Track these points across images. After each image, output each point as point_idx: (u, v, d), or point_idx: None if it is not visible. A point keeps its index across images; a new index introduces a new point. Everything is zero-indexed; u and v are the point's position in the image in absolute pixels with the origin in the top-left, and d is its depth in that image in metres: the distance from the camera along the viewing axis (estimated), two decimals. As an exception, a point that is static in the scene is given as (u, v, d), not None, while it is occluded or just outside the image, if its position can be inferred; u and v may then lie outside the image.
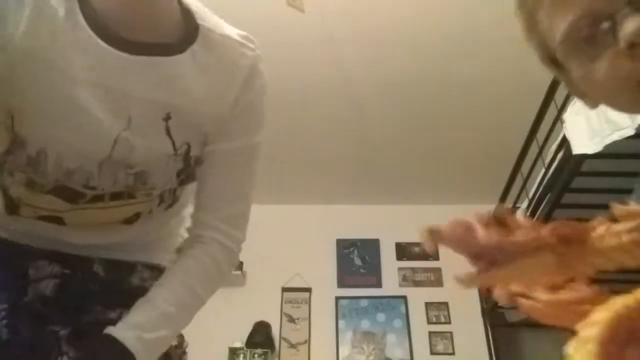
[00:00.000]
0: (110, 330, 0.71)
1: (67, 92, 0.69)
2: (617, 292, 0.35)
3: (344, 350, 3.56)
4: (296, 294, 3.71)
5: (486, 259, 0.30)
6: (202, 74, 0.80)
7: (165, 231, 0.94)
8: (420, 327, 3.62)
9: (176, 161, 0.81)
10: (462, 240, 0.30)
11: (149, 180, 0.80)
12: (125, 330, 0.71)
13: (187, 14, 0.79)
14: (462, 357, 3.50)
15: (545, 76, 2.21)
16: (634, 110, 0.60)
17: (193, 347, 3.29)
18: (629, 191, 2.16)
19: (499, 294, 0.39)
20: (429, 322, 3.64)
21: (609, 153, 1.92)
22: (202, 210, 0.85)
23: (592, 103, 0.64)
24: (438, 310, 3.67)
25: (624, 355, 0.25)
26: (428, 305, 3.69)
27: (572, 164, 2.15)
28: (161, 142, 0.78)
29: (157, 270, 0.89)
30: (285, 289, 3.70)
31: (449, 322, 3.62)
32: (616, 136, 1.85)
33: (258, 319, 3.50)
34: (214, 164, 0.85)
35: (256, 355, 3.38)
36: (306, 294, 3.72)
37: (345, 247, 3.94)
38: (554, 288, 0.31)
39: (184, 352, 3.28)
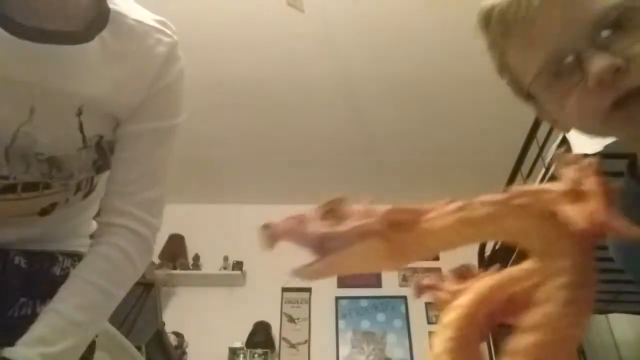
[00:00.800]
0: (6, 352, 0.63)
1: None
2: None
3: (344, 350, 3.55)
4: (296, 294, 3.71)
5: (322, 250, 0.30)
6: (113, 63, 0.75)
7: (81, 219, 0.91)
8: (420, 327, 3.62)
9: (88, 152, 0.77)
10: (296, 232, 0.30)
11: (64, 166, 0.75)
12: (24, 348, 0.64)
13: None
14: (462, 357, 3.50)
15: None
16: (603, 135, 0.66)
17: (193, 347, 3.30)
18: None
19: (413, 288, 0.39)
20: (429, 322, 3.64)
21: (609, 153, 1.92)
22: (113, 196, 0.78)
23: (564, 128, 0.71)
24: (438, 311, 3.67)
25: (480, 340, 0.25)
26: (428, 305, 3.69)
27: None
28: (69, 137, 0.74)
29: (77, 257, 0.86)
30: (285, 289, 3.70)
31: (449, 322, 3.62)
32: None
33: (258, 319, 3.50)
34: (126, 147, 0.80)
35: (256, 355, 3.37)
36: (306, 294, 3.72)
37: (345, 247, 3.93)
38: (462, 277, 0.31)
39: (184, 352, 3.28)
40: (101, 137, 0.78)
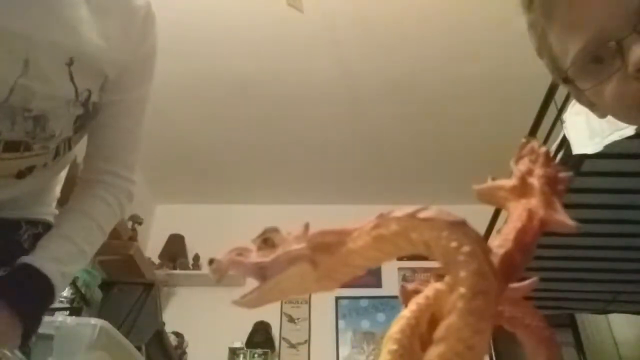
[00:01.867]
0: (28, 259, 0.71)
1: None
2: None
3: (344, 350, 3.56)
4: (296, 294, 3.71)
5: (263, 278, 0.31)
6: (97, 16, 0.78)
7: (50, 185, 0.95)
8: (420, 327, 3.62)
9: (76, 107, 0.80)
10: (237, 263, 0.30)
11: (48, 125, 0.78)
12: (45, 261, 0.72)
13: None
14: (462, 357, 3.50)
15: (545, 77, 2.21)
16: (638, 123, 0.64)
17: (193, 347, 3.30)
18: (629, 191, 2.17)
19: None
20: (429, 322, 3.65)
21: (609, 153, 1.92)
22: (98, 158, 0.88)
23: (601, 114, 0.69)
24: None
25: (425, 348, 0.25)
26: (428, 305, 3.69)
27: (572, 164, 2.15)
28: (63, 88, 0.77)
29: (41, 225, 0.90)
30: (285, 289, 3.70)
31: (449, 322, 3.62)
32: (616, 136, 1.85)
33: (258, 319, 3.50)
34: (115, 113, 0.86)
35: (256, 355, 3.37)
36: (310, 293, 3.72)
37: (345, 247, 3.93)
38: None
39: (184, 352, 3.28)
40: (90, 92, 0.81)
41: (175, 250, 3.69)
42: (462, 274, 0.25)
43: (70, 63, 0.76)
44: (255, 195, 3.91)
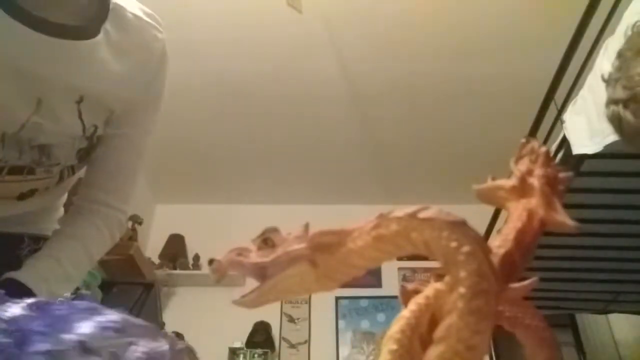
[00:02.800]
0: (14, 275, 0.70)
1: None
2: None
3: (344, 350, 3.55)
4: (296, 294, 3.71)
5: (263, 278, 0.30)
6: (116, 56, 0.78)
7: (54, 206, 0.96)
8: (420, 327, 3.62)
9: (81, 141, 0.81)
10: (237, 264, 0.31)
11: (53, 154, 0.79)
12: (31, 278, 0.71)
13: None
14: (462, 357, 3.50)
15: (546, 77, 2.21)
16: None
17: (193, 347, 3.29)
18: (629, 191, 2.16)
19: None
20: (429, 322, 3.65)
21: (609, 153, 1.92)
22: (96, 188, 0.87)
23: None
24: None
25: (425, 348, 0.25)
26: (428, 305, 3.69)
27: (572, 164, 2.15)
28: (72, 125, 0.78)
29: (42, 242, 0.89)
30: (285, 289, 3.70)
31: (449, 322, 3.62)
32: (616, 136, 1.85)
33: (258, 319, 3.50)
34: (117, 145, 0.87)
35: (256, 355, 3.37)
36: (310, 293, 3.72)
37: (345, 247, 3.93)
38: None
39: (184, 352, 3.28)
40: (96, 128, 0.82)
41: (175, 250, 3.69)
42: (462, 274, 0.25)
43: (80, 101, 0.77)
44: (255, 195, 3.91)
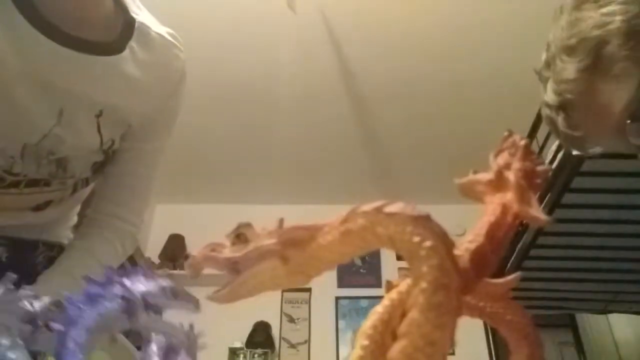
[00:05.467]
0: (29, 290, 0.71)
1: (3, 84, 0.68)
2: None
3: (344, 350, 3.55)
4: (296, 294, 3.70)
5: (236, 273, 0.30)
6: (139, 72, 0.80)
7: (69, 214, 0.96)
8: (420, 327, 3.62)
9: (98, 154, 0.83)
10: (211, 259, 0.31)
11: (69, 166, 0.80)
12: (47, 294, 0.70)
13: (118, 4, 0.79)
14: (463, 357, 3.49)
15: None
16: None
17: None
18: (629, 191, 2.16)
19: None
20: (429, 322, 3.64)
21: (609, 153, 1.92)
22: (112, 202, 0.88)
23: None
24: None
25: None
26: (428, 305, 3.69)
27: (572, 164, 2.15)
28: (91, 138, 0.79)
29: (57, 248, 0.90)
30: (285, 289, 3.70)
31: (449, 322, 3.61)
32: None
33: (258, 319, 3.50)
34: (131, 159, 0.88)
35: (256, 355, 3.37)
36: (306, 294, 3.71)
37: (345, 247, 3.93)
38: None
39: (184, 352, 3.28)
40: (113, 142, 0.83)
41: (175, 250, 3.69)
42: (424, 268, 0.25)
43: (99, 115, 0.79)
44: (255, 195, 3.91)
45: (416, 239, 0.25)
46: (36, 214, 0.84)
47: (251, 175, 3.79)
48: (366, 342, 0.27)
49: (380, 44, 2.78)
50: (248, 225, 0.31)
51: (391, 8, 2.59)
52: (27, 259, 0.88)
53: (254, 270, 0.30)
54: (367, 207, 0.27)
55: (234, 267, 0.30)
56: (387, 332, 0.28)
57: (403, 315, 0.27)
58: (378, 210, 0.27)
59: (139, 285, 0.47)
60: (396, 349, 0.24)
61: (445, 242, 0.25)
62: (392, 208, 0.26)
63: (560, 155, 2.31)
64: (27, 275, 0.78)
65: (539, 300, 2.71)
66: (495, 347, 3.52)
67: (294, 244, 0.29)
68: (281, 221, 0.30)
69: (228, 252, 0.31)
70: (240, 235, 0.31)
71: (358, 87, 3.06)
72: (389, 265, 3.90)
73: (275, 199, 3.81)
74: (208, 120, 3.28)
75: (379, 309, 0.29)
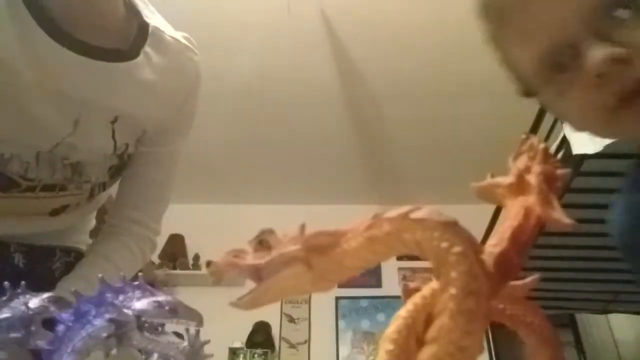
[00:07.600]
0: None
1: (18, 93, 0.68)
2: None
3: (344, 350, 3.55)
4: (296, 294, 3.71)
5: (259, 279, 0.30)
6: (154, 77, 0.79)
7: (85, 219, 0.96)
8: (420, 327, 3.62)
9: (112, 158, 0.82)
10: (234, 265, 0.31)
11: (85, 171, 0.80)
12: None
13: (131, 9, 0.79)
14: (462, 357, 3.50)
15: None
16: (606, 135, 0.58)
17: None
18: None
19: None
20: (429, 322, 3.64)
21: (609, 153, 1.92)
22: (131, 208, 0.87)
23: (574, 127, 0.61)
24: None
25: (422, 347, 0.25)
26: (428, 305, 3.69)
27: (572, 164, 2.15)
28: (105, 144, 0.79)
29: (74, 254, 0.90)
30: (285, 289, 3.70)
31: (449, 322, 3.62)
32: (616, 136, 1.84)
33: (258, 319, 3.50)
34: (148, 163, 0.87)
35: (256, 355, 3.37)
36: (306, 294, 3.72)
37: (345, 247, 3.93)
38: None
39: (184, 352, 3.28)
40: (127, 146, 0.83)
41: (175, 250, 3.69)
42: (453, 274, 0.25)
43: (114, 121, 0.78)
44: (255, 195, 3.90)
45: (445, 244, 0.25)
46: (53, 219, 0.84)
47: (251, 175, 3.79)
48: (391, 347, 0.27)
49: (382, 43, 2.78)
50: (270, 231, 0.31)
51: (391, 8, 2.59)
52: (45, 265, 0.87)
53: (278, 277, 0.30)
54: (393, 213, 0.27)
55: (258, 273, 0.30)
56: (411, 337, 0.28)
57: (427, 319, 0.27)
58: (404, 216, 0.27)
59: (134, 303, 0.45)
60: (426, 354, 0.24)
61: (473, 247, 0.25)
62: (418, 214, 0.26)
63: (560, 155, 2.31)
64: (45, 282, 0.78)
65: (539, 300, 2.71)
66: (496, 347, 3.52)
67: (318, 250, 0.29)
68: (303, 227, 0.30)
69: (251, 259, 0.30)
70: (262, 242, 0.31)
71: (358, 88, 3.06)
72: (389, 265, 3.90)
73: (275, 199, 3.81)
74: (208, 121, 3.28)
75: (403, 313, 0.29)
